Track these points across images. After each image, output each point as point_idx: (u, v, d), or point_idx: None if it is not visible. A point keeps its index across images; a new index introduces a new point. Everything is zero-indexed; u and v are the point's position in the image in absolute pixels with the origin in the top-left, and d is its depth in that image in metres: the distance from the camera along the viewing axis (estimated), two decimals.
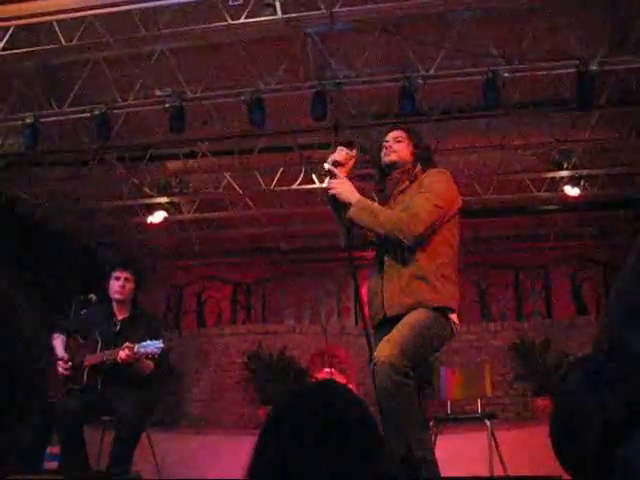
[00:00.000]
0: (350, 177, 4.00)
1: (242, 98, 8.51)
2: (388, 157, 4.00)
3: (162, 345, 5.08)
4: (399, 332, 3.53)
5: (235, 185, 11.41)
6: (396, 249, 3.77)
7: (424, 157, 4.01)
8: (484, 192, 11.42)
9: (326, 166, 3.96)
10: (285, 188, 11.30)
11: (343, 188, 3.86)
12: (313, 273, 15.20)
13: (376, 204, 3.91)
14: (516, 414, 11.97)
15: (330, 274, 14.86)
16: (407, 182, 3.94)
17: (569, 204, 12.33)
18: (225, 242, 14.84)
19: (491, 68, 7.90)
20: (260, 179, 11.26)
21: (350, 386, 9.27)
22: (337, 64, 8.43)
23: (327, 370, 11.36)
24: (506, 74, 8.01)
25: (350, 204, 3.81)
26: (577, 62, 7.78)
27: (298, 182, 11.09)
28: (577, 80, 7.81)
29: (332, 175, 3.93)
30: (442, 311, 3.69)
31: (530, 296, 14.93)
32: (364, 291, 4.15)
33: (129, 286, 5.54)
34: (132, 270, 5.57)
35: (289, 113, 9.38)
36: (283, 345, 12.73)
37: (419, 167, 3.98)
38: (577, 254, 14.70)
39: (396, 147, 3.99)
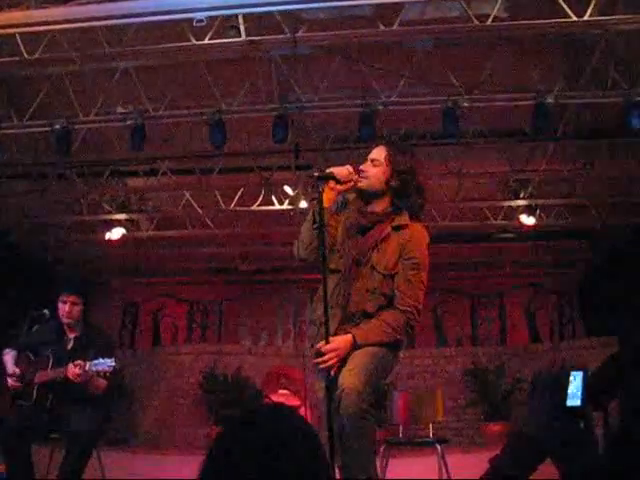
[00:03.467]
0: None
1: (204, 118, 8.50)
2: (359, 183, 3.71)
3: (114, 363, 5.02)
4: (361, 361, 3.51)
5: (195, 204, 11.37)
6: (351, 285, 3.70)
7: (407, 203, 3.69)
8: (442, 219, 11.54)
9: (316, 173, 3.69)
10: (244, 209, 11.30)
11: None
12: (270, 294, 15.17)
13: (369, 325, 3.60)
14: (468, 439, 12.05)
15: (287, 295, 14.85)
16: (389, 228, 3.65)
17: (525, 233, 12.49)
18: (183, 261, 14.75)
19: (451, 97, 8.02)
20: (220, 199, 11.25)
21: (303, 409, 9.22)
22: (299, 88, 8.46)
23: (282, 392, 11.32)
24: (465, 104, 8.13)
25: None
26: (534, 95, 7.94)
27: (258, 203, 11.11)
28: (534, 112, 7.96)
29: (321, 184, 3.65)
30: (396, 346, 3.70)
31: (485, 323, 15.05)
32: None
33: (76, 309, 5.47)
34: (79, 293, 5.51)
35: (250, 134, 9.40)
36: (238, 365, 12.67)
37: (405, 216, 3.68)
38: (531, 282, 14.89)
39: (370, 172, 3.70)
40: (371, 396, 3.42)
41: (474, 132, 9.20)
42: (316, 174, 3.68)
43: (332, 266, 3.66)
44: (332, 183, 3.67)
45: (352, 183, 3.70)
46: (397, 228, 3.64)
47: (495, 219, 11.77)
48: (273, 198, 11.17)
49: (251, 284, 15.29)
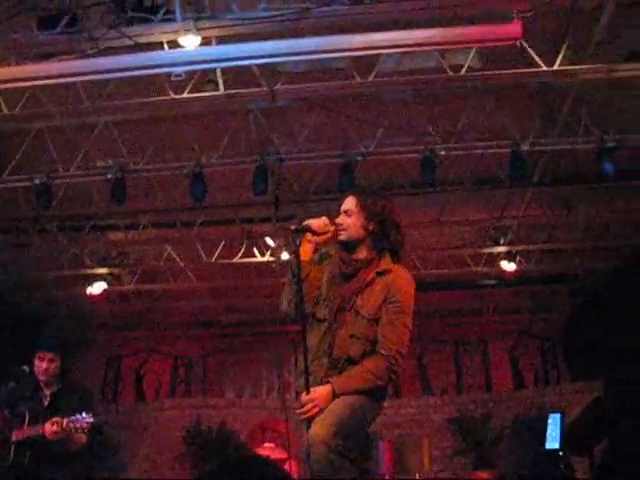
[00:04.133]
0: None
1: (184, 171, 8.51)
2: (339, 237, 3.71)
3: (92, 419, 4.91)
4: (335, 411, 3.45)
5: (176, 257, 11.33)
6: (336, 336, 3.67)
7: (387, 242, 3.68)
8: (424, 267, 11.54)
9: (292, 227, 3.68)
10: (226, 261, 11.26)
11: None
12: (253, 347, 15.03)
13: (349, 373, 3.56)
14: None
15: (271, 348, 14.75)
16: (373, 274, 3.63)
17: (506, 279, 12.51)
18: (166, 315, 14.65)
19: (428, 147, 8.09)
20: (202, 252, 11.20)
21: (290, 462, 9.10)
22: (278, 139, 8.52)
23: (267, 445, 11.17)
24: (443, 152, 8.20)
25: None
26: (510, 142, 8.03)
27: (239, 255, 11.07)
28: (510, 159, 8.03)
29: (298, 236, 3.67)
30: (377, 395, 3.64)
31: (470, 370, 14.98)
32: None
33: (53, 366, 5.37)
34: (55, 351, 5.43)
35: (231, 187, 9.42)
36: (223, 419, 12.51)
37: (387, 260, 3.67)
38: (515, 328, 14.87)
39: (345, 223, 3.70)
40: (342, 447, 3.34)
41: (453, 180, 9.24)
42: (292, 227, 3.68)
43: (319, 316, 3.67)
44: (309, 235, 3.69)
45: (329, 234, 3.71)
46: (381, 274, 3.61)
47: (477, 266, 11.80)
48: (255, 250, 11.15)
49: (234, 337, 15.18)
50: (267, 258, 11.14)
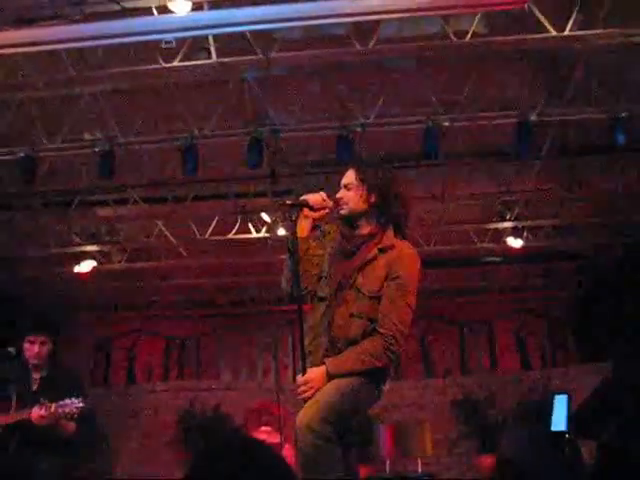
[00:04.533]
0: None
1: (175, 144, 8.48)
2: (340, 211, 3.72)
3: (81, 404, 4.92)
4: (325, 395, 3.46)
5: (168, 234, 11.32)
6: (336, 313, 3.64)
7: (390, 215, 3.67)
8: (426, 243, 11.55)
9: (288, 202, 3.70)
10: (220, 238, 11.27)
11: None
12: (250, 327, 15.11)
13: (345, 354, 3.56)
14: (460, 474, 11.96)
15: (267, 328, 14.79)
16: (375, 250, 3.61)
17: (512, 256, 12.52)
18: (157, 294, 14.67)
19: (431, 117, 8.06)
20: (194, 228, 11.20)
21: (286, 446, 9.15)
22: (274, 110, 8.48)
23: (264, 429, 11.22)
24: (446, 123, 8.18)
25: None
26: (517, 112, 7.99)
27: (234, 232, 11.08)
28: (517, 130, 8.00)
29: (294, 211, 3.67)
30: (375, 377, 3.64)
31: (474, 351, 15.05)
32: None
33: (45, 349, 5.35)
34: (47, 332, 5.40)
35: (225, 160, 9.40)
36: (218, 402, 12.56)
37: (390, 235, 3.66)
38: (521, 307, 14.92)
39: (346, 197, 3.70)
40: (330, 433, 3.35)
41: (457, 153, 9.21)
42: (289, 202, 3.70)
43: (320, 294, 3.69)
44: (306, 211, 3.70)
45: (327, 210, 3.72)
46: (383, 250, 3.60)
47: (481, 242, 11.80)
48: (250, 226, 11.14)
49: (229, 317, 15.25)
50: (263, 234, 11.15)
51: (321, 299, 3.68)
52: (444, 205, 10.63)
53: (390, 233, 3.66)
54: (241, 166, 8.81)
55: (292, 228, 3.68)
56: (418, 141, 8.16)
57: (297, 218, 3.68)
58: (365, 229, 3.70)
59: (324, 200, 3.70)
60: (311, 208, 3.69)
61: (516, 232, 11.43)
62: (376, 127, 8.32)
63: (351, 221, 3.73)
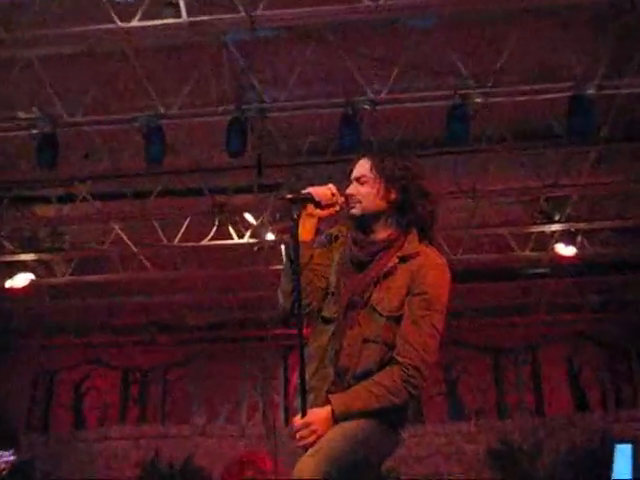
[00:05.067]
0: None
1: (136, 125, 8.47)
2: (351, 211, 3.68)
3: (13, 457, 4.91)
4: (328, 443, 3.42)
5: (126, 239, 11.31)
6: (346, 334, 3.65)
7: (414, 215, 3.64)
8: (453, 251, 11.53)
9: (288, 195, 3.61)
10: (193, 244, 11.29)
11: None
12: (231, 356, 15.10)
13: (355, 389, 3.51)
14: None
15: (253, 357, 14.80)
16: (395, 259, 3.59)
17: (562, 267, 12.51)
18: (114, 315, 14.67)
19: (458, 91, 8.03)
20: (160, 232, 11.19)
21: None
22: (261, 83, 8.46)
23: None
24: (478, 99, 8.16)
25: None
26: (569, 85, 7.95)
27: (210, 237, 11.06)
28: (570, 108, 7.97)
29: (296, 209, 3.61)
30: (392, 420, 3.62)
31: (514, 386, 15.06)
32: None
33: None
34: None
35: (198, 146, 9.39)
36: (189, 452, 12.56)
37: (414, 240, 3.63)
38: (574, 331, 14.91)
39: (359, 193, 3.66)
40: None
41: (491, 136, 9.20)
42: (289, 196, 3.61)
43: (326, 314, 3.64)
44: (310, 208, 3.65)
45: (336, 207, 3.67)
46: (405, 258, 3.55)
47: (523, 250, 11.79)
48: (231, 229, 11.13)
49: (205, 343, 15.23)
50: (247, 240, 11.14)
51: (327, 320, 3.63)
52: (475, 203, 10.61)
53: (413, 238, 3.61)
54: (219, 153, 8.81)
55: (293, 229, 3.61)
56: (442, 122, 8.13)
57: (299, 217, 3.64)
58: (382, 233, 3.64)
59: (333, 194, 3.65)
60: (317, 204, 3.64)
61: (567, 237, 11.44)
62: (389, 104, 8.31)
63: (365, 223, 3.67)
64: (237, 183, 10.36)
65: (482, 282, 13.27)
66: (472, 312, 14.14)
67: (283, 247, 3.28)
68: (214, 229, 11.05)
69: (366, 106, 8.25)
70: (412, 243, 3.60)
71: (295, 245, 3.59)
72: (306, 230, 3.67)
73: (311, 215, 3.67)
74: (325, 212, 3.67)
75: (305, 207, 3.64)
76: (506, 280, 13.51)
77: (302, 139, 9.53)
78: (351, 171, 3.74)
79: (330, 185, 3.67)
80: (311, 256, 3.69)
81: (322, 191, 3.64)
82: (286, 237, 3.37)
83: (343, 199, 3.65)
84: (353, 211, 3.64)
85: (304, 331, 3.69)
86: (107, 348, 15.34)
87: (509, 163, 9.83)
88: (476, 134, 8.57)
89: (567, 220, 11.00)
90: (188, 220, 11.10)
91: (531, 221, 11.26)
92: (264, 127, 9.03)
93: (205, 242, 11.17)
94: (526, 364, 15.19)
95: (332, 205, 3.66)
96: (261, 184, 10.03)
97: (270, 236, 10.72)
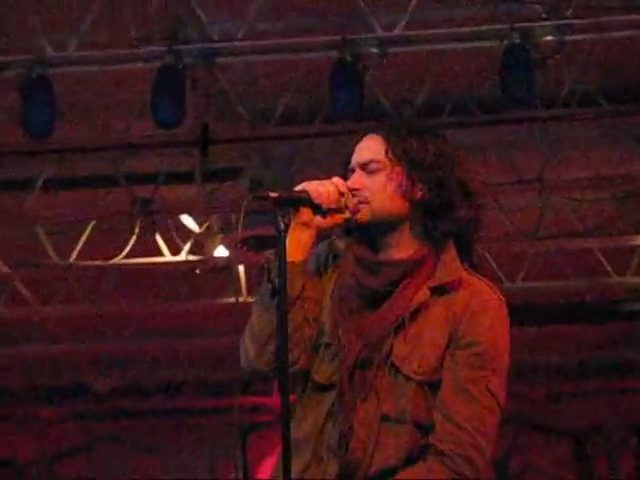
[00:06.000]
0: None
1: (8, 75, 8.54)
2: (355, 216, 3.55)
3: None
4: None
5: None
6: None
7: (451, 222, 3.53)
8: (509, 277, 11.62)
9: (273, 195, 3.42)
10: (100, 263, 11.43)
11: None
12: (159, 439, 15.16)
13: None
14: None
15: (200, 442, 14.88)
16: (425, 291, 3.50)
17: None
18: None
19: (516, 24, 8.12)
20: (47, 244, 11.24)
21: None
22: (207, 13, 8.53)
23: None
24: (549, 36, 8.22)
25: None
26: None
27: (126, 251, 11.13)
28: None
29: (284, 214, 3.43)
30: None
31: None
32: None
33: None
34: None
35: (107, 111, 9.47)
36: None
37: (452, 261, 3.55)
38: None
39: (368, 190, 3.56)
40: None
41: (569, 98, 9.26)
42: (273, 195, 3.46)
43: (318, 378, 3.57)
44: (306, 213, 3.53)
45: (346, 213, 3.54)
46: (441, 290, 3.49)
47: (621, 274, 11.85)
48: (159, 241, 11.22)
49: (121, 419, 15.29)
50: (184, 257, 11.27)
51: (322, 387, 3.57)
52: (543, 199, 10.66)
53: (451, 258, 3.54)
54: (141, 121, 8.99)
55: (279, 245, 3.46)
56: (489, 75, 8.22)
57: (287, 227, 3.50)
58: (402, 250, 3.58)
59: (342, 194, 3.52)
60: (316, 209, 3.51)
61: None
62: (406, 46, 8.41)
63: (375, 235, 3.61)
64: (169, 168, 10.44)
65: (556, 324, 13.36)
66: (540, 373, 14.20)
67: (264, 270, 3.15)
68: (132, 239, 11.04)
69: (373, 49, 8.35)
70: (449, 266, 3.52)
71: (282, 268, 3.42)
72: (298, 247, 3.55)
73: (306, 225, 3.54)
74: (328, 221, 3.54)
75: (298, 212, 3.52)
76: (594, 321, 13.55)
77: (273, 101, 9.54)
78: (351, 154, 3.69)
79: (336, 179, 3.54)
80: (303, 287, 3.57)
81: (324, 188, 3.49)
82: (267, 255, 3.19)
83: (353, 200, 3.52)
84: (357, 216, 3.51)
85: (254, 399, 3.74)
86: None
87: (596, 139, 9.89)
88: (545, 94, 8.64)
89: None
90: (91, 226, 11.17)
91: (632, 229, 11.36)
92: (213, 81, 9.10)
93: (119, 260, 11.25)
94: (627, 451, 15.25)
95: (339, 210, 3.52)
96: (208, 170, 10.05)
97: (221, 251, 10.76)
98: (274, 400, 3.64)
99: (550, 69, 8.43)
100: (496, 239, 10.88)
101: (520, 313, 11.66)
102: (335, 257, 3.75)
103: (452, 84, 9.07)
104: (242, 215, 3.68)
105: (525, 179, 10.18)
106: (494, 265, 11.36)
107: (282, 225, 3.42)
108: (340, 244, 3.74)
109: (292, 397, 3.54)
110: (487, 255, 11.11)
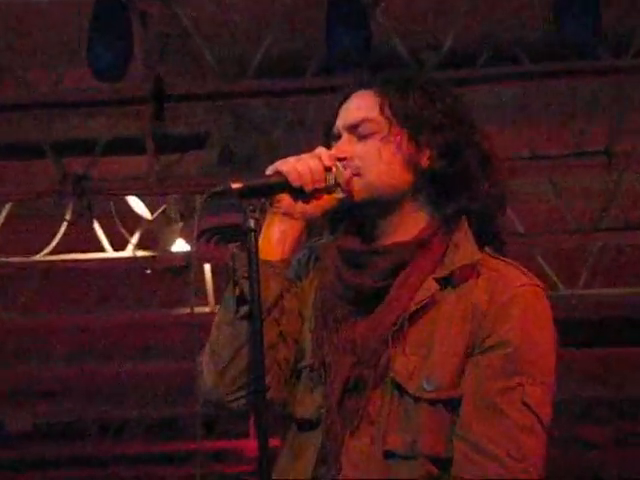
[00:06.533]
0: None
1: None
2: (351, 192, 3.51)
3: None
4: None
5: None
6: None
7: (463, 199, 3.50)
8: (565, 281, 11.55)
9: (235, 185, 3.34)
10: (20, 259, 11.43)
11: None
12: None
13: None
14: None
15: None
16: (432, 283, 3.44)
17: None
18: None
19: None
20: None
21: None
22: None
23: None
24: None
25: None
26: None
27: (53, 245, 11.07)
28: None
29: (254, 207, 3.36)
30: None
31: None
32: None
33: None
34: None
35: (30, 56, 9.39)
36: None
37: (466, 240, 3.52)
38: None
39: (360, 157, 3.52)
40: None
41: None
42: (235, 186, 3.40)
43: (302, 412, 3.53)
44: (285, 200, 3.50)
45: (339, 193, 3.50)
46: (453, 281, 3.45)
47: None
48: (97, 229, 11.12)
49: (41, 470, 15.35)
50: (129, 253, 11.25)
51: (309, 424, 3.52)
52: (611, 177, 10.62)
53: (465, 239, 3.51)
54: (73, 69, 9.02)
55: (249, 244, 3.40)
56: (540, 12, 8.16)
57: (259, 221, 3.46)
58: (404, 233, 3.56)
59: (328, 168, 3.47)
60: (298, 193, 3.48)
61: None
62: None
63: (369, 216, 3.60)
64: (111, 134, 10.35)
65: (628, 345, 13.34)
66: (604, 407, 14.24)
67: (228, 269, 3.07)
68: (62, 229, 11.06)
69: None
70: (463, 249, 3.50)
71: (252, 278, 3.35)
72: (278, 243, 3.54)
73: (288, 215, 3.52)
74: (315, 205, 3.52)
75: (275, 201, 3.49)
76: None
77: (250, 45, 9.51)
78: (335, 117, 3.66)
79: (319, 150, 3.52)
80: (281, 294, 3.49)
81: (304, 165, 3.43)
82: (233, 249, 3.11)
83: (346, 173, 3.47)
84: (353, 194, 3.49)
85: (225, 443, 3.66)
86: None
87: None
88: (614, 40, 8.58)
89: None
90: (7, 210, 11.17)
91: None
92: (170, 17, 9.09)
93: (43, 255, 11.24)
94: None
95: (327, 189, 3.49)
96: (163, 136, 10.02)
97: (180, 246, 10.72)
98: (250, 444, 3.60)
99: (621, 5, 8.43)
100: (545, 231, 10.88)
101: (579, 326, 11.73)
102: (317, 259, 3.75)
103: (489, 24, 9.05)
104: (197, 216, 3.64)
105: (587, 151, 10.16)
106: (544, 264, 11.34)
107: (251, 222, 3.38)
108: (323, 243, 3.76)
109: (275, 441, 3.46)
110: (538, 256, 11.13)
